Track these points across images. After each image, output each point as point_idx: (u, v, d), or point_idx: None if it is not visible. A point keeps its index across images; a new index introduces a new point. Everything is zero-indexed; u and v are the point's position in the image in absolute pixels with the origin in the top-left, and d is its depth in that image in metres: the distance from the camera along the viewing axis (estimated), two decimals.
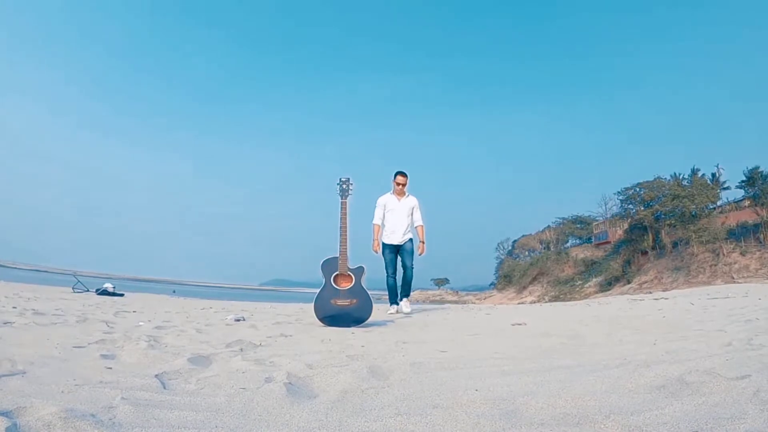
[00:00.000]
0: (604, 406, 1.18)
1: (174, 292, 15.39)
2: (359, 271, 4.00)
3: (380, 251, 5.83)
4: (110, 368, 1.64)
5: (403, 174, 6.04)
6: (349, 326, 3.78)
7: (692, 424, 1.00)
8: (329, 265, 3.98)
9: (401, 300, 5.89)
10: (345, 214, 4.12)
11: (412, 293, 6.12)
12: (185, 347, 2.25)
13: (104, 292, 8.04)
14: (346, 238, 4.02)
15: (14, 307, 3.99)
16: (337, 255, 3.99)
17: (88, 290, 8.50)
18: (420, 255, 5.91)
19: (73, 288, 8.71)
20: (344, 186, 4.19)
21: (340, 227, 4.06)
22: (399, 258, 5.94)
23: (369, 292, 3.96)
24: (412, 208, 6.06)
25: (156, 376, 1.51)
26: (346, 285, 3.94)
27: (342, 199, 4.16)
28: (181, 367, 1.68)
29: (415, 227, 6.05)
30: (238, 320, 4.00)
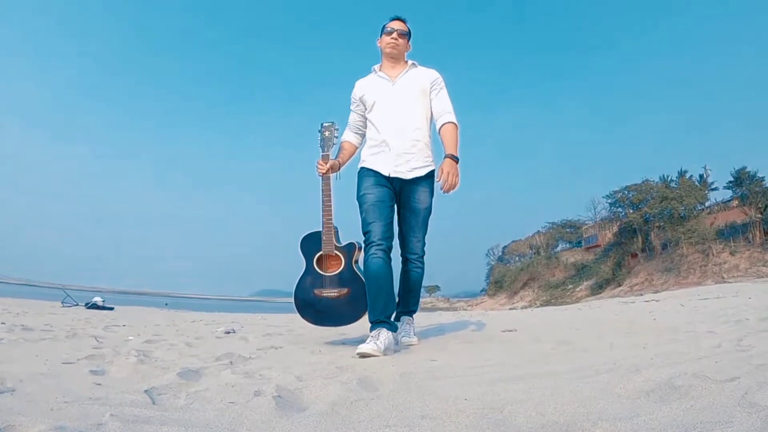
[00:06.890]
0: (593, 412, 1.18)
1: (166, 304, 15.28)
2: (350, 249, 2.93)
3: (331, 179, 2.89)
4: (99, 384, 1.62)
5: (401, 18, 2.94)
6: (338, 326, 3.07)
7: (680, 429, 1.01)
8: (311, 243, 2.96)
9: (400, 317, 3.06)
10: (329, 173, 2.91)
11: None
12: (175, 361, 2.24)
13: (94, 306, 7.95)
14: (330, 207, 2.88)
15: (3, 323, 3.93)
16: (321, 229, 2.91)
17: (77, 304, 8.39)
18: (446, 191, 2.69)
19: (62, 302, 8.61)
20: (326, 133, 2.92)
21: (322, 192, 2.87)
22: (398, 212, 2.92)
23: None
24: (429, 89, 2.89)
25: (145, 391, 1.50)
26: (333, 269, 2.93)
27: (323, 151, 2.89)
28: (170, 381, 1.67)
29: (440, 129, 2.84)
30: (228, 333, 3.97)
